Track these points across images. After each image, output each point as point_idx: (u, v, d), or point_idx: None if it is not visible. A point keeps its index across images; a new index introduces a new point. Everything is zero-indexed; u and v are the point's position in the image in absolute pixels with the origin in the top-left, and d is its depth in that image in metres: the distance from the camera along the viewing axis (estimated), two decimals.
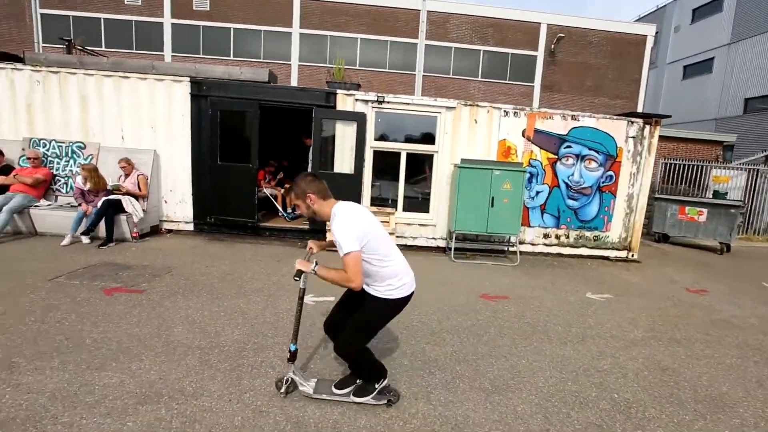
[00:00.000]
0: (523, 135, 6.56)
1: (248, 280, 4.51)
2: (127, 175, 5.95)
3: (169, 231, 6.59)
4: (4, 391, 2.30)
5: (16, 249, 5.14)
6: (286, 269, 5.03)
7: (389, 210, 6.44)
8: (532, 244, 6.83)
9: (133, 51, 16.66)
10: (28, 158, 5.93)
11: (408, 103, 6.43)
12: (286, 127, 8.85)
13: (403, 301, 2.31)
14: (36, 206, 5.82)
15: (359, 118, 6.32)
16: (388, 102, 6.37)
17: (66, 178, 6.30)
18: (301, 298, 2.39)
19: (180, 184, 6.51)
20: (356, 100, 6.35)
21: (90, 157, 6.26)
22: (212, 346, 2.97)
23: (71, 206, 5.96)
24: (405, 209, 6.71)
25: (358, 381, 2.46)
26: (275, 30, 17.00)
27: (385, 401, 2.42)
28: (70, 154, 6.31)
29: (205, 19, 16.83)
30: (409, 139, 6.67)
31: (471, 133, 6.54)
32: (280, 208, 7.53)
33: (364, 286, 2.27)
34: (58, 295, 3.70)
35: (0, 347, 2.76)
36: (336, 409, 2.33)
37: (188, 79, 6.24)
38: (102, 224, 5.55)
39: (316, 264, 2.19)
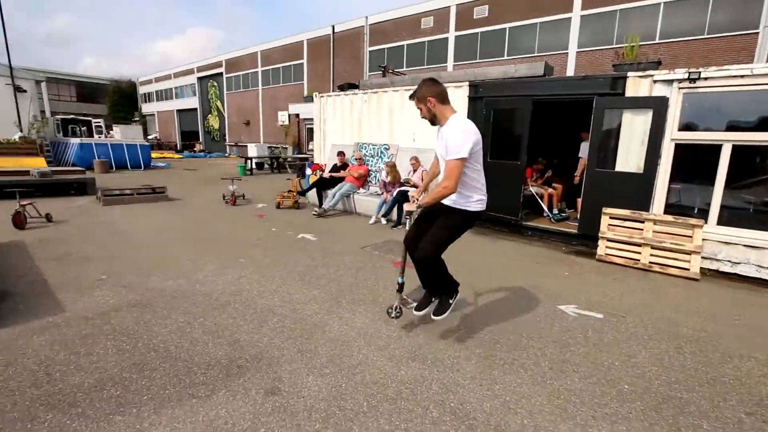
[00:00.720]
0: None
1: (504, 277, 4.57)
2: (414, 170, 7.22)
3: None
4: (333, 320, 3.30)
5: (344, 222, 7.25)
6: (546, 270, 4.78)
7: (693, 221, 4.92)
8: None
9: (425, 67, 19.88)
10: (356, 159, 8.19)
11: (743, 76, 4.63)
12: (561, 122, 8.26)
13: (476, 216, 2.75)
14: (357, 193, 8.01)
15: (657, 104, 5.10)
16: (706, 78, 4.82)
17: (375, 173, 8.32)
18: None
19: None
20: (654, 81, 5.14)
21: (391, 156, 8.00)
22: (469, 330, 3.20)
23: (377, 194, 7.82)
24: (720, 222, 4.95)
25: (433, 299, 2.97)
26: (551, 19, 16.11)
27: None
28: (378, 155, 8.29)
29: (484, 25, 17.94)
30: (735, 127, 4.83)
31: None
32: (545, 208, 7.11)
33: (446, 200, 2.70)
34: (365, 260, 4.96)
35: (328, 291, 3.97)
36: None
37: (467, 83, 6.85)
38: (394, 210, 7.00)
39: (417, 201, 2.84)
